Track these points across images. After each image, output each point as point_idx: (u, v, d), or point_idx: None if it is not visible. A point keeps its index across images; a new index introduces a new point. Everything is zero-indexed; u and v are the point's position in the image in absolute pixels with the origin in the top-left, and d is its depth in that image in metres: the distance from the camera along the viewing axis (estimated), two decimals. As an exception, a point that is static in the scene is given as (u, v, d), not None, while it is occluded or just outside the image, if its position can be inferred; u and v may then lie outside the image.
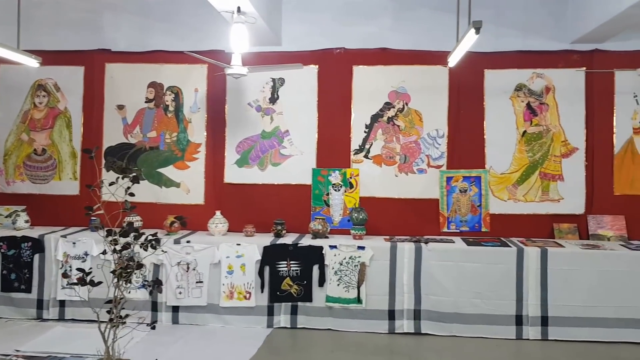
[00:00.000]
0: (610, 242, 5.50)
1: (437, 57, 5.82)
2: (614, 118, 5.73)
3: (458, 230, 5.86)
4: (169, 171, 6.12)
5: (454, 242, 5.47)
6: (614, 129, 5.73)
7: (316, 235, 5.61)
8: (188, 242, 5.43)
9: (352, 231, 5.63)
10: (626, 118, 5.73)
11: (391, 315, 5.27)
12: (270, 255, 5.38)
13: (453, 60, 4.83)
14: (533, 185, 5.80)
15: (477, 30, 3.66)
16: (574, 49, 5.74)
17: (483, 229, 5.84)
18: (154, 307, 5.45)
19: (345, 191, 5.98)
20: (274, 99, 6.04)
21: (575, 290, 5.10)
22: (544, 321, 5.12)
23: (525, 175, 5.82)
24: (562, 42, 5.74)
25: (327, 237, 5.61)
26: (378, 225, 5.87)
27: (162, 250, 5.11)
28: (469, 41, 4.10)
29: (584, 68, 5.71)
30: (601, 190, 5.76)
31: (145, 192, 6.05)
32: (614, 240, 5.59)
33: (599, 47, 5.71)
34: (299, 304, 5.34)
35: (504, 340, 5.12)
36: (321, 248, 5.35)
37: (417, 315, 5.25)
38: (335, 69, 6.00)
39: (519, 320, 5.15)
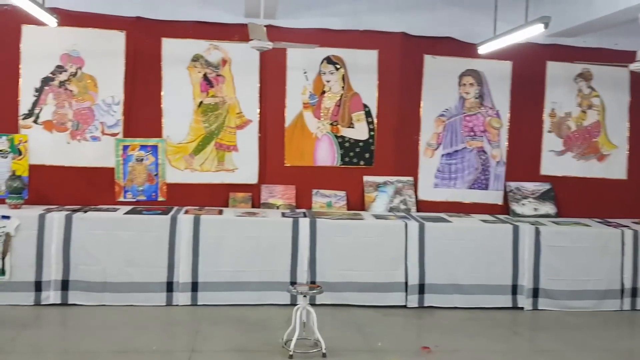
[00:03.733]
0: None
1: (113, 21, 5.68)
2: (286, 92, 6.01)
3: (135, 200, 5.79)
4: None
5: (115, 211, 5.41)
6: (286, 103, 6.02)
7: (-39, 204, 5.21)
8: None
9: (8, 200, 5.28)
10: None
11: (38, 286, 5.04)
12: None
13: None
14: (209, 155, 5.90)
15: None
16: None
17: (160, 198, 5.83)
18: None
19: (13, 158, 5.62)
20: None
21: (225, 257, 5.28)
22: (194, 287, 5.25)
23: (201, 146, 5.88)
24: (237, 16, 5.85)
25: (-25, 207, 5.23)
26: (49, 195, 5.60)
27: None
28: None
29: (313, 45, 5.79)
30: (273, 161, 6.02)
31: None
32: (283, 208, 5.90)
33: (272, 23, 5.92)
34: None
35: (155, 307, 5.16)
36: (-46, 218, 4.97)
37: (65, 285, 5.08)
38: (1, 28, 5.57)
39: (169, 286, 5.22)
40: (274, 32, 5.90)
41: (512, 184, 6.25)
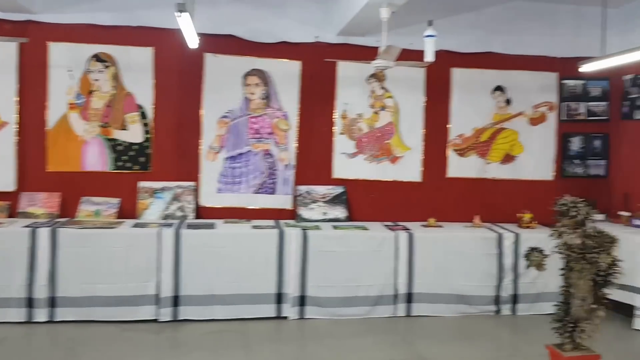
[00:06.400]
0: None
1: None
2: (48, 92, 5.57)
3: None
4: None
5: None
6: (48, 104, 5.58)
7: None
8: None
9: None
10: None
11: None
12: None
13: None
14: (-42, 160, 5.42)
15: None
16: (7, 18, 5.46)
17: None
18: None
19: None
20: None
21: None
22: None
23: (-52, 150, 5.41)
24: (-9, 11, 5.45)
25: None
26: None
27: None
28: None
29: (23, 38, 5.39)
30: (34, 167, 5.54)
31: None
32: (43, 218, 5.43)
33: (32, 18, 5.50)
34: None
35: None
36: None
37: None
38: None
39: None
40: (34, 28, 5.51)
41: (303, 188, 5.95)
